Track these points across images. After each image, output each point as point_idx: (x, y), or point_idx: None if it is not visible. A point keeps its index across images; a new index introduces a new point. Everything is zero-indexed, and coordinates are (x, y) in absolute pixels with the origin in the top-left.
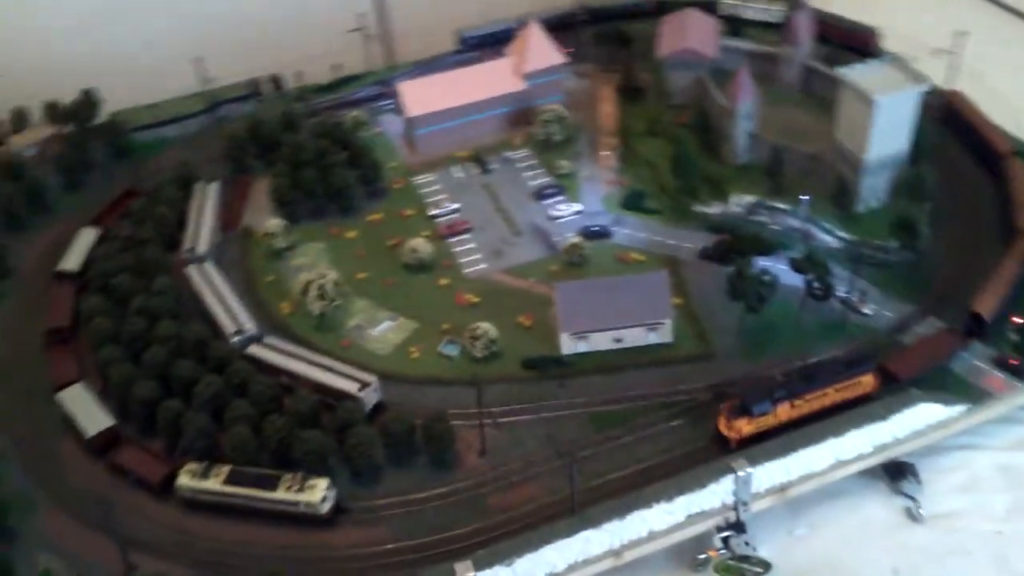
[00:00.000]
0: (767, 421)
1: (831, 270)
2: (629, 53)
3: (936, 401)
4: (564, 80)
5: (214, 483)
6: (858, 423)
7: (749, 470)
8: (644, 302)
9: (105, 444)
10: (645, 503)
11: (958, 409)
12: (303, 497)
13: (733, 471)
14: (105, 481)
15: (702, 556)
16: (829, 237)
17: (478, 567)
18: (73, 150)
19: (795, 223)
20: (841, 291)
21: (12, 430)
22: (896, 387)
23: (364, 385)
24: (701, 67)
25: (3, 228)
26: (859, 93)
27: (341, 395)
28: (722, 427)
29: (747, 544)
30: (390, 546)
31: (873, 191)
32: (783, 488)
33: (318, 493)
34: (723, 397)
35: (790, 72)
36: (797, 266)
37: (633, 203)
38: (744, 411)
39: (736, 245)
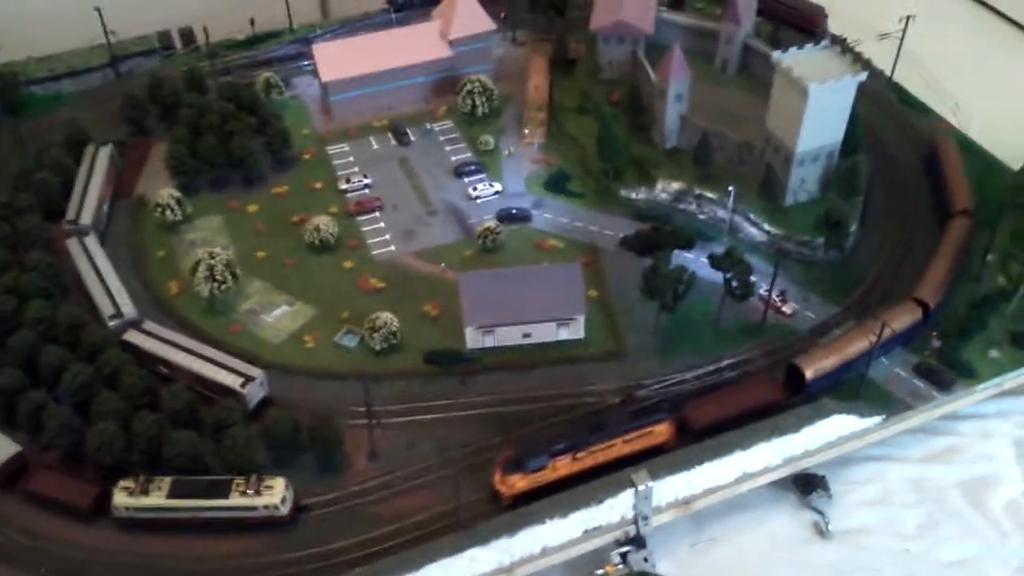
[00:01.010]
0: (545, 476)
1: (752, 268)
2: (564, 22)
3: (851, 412)
4: (494, 48)
5: (156, 498)
6: (767, 436)
7: (650, 484)
8: (555, 295)
9: (13, 473)
10: (537, 519)
11: (873, 420)
12: (261, 501)
13: (633, 485)
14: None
15: (599, 572)
16: (755, 230)
17: None
18: None
19: (722, 214)
20: (763, 289)
21: None
22: (691, 437)
23: (248, 380)
24: (636, 42)
25: None
26: (792, 79)
27: (222, 389)
28: (496, 482)
29: (646, 560)
30: (263, 559)
31: (803, 183)
32: (686, 502)
33: (277, 494)
34: (630, 400)
35: (729, 51)
36: (716, 263)
37: (556, 185)
38: (518, 465)
39: (655, 238)
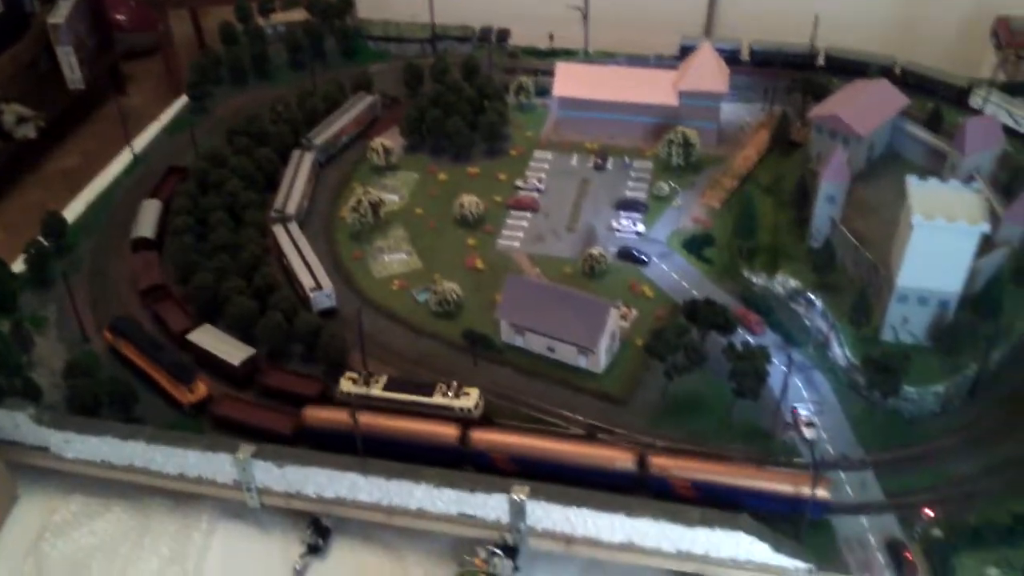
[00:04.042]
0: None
1: (763, 373)
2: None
3: (768, 541)
4: (721, 109)
5: (376, 390)
6: (656, 514)
7: (524, 498)
8: (580, 323)
9: (250, 371)
10: (415, 477)
11: (791, 564)
12: (459, 403)
13: (507, 492)
14: None
15: (468, 558)
16: (839, 352)
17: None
18: (306, 36)
19: (823, 325)
20: (801, 405)
21: None
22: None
23: (317, 287)
24: (848, 141)
25: (229, 81)
26: (908, 208)
27: (301, 287)
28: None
29: (516, 570)
30: None
31: (906, 323)
32: (567, 540)
33: (472, 400)
34: (592, 436)
35: (951, 178)
36: (727, 352)
37: (695, 246)
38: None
39: (697, 309)
